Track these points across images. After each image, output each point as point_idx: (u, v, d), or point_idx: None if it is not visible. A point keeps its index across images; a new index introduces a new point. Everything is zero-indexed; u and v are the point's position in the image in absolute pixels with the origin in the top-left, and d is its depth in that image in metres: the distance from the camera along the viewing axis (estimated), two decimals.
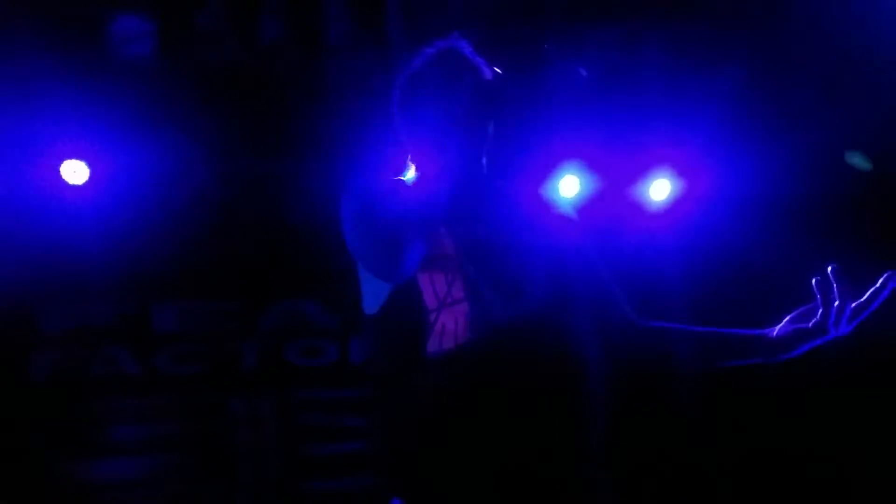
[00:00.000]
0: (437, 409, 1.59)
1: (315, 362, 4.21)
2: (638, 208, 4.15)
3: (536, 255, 1.73)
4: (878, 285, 1.63)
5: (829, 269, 1.64)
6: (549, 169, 4.02)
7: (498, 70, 1.74)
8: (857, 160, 3.79)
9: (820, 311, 1.65)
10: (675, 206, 4.11)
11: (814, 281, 1.65)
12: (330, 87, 3.91)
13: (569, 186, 4.07)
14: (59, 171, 3.80)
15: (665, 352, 1.80)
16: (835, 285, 1.63)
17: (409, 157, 1.82)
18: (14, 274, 3.80)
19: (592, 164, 4.08)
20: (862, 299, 1.63)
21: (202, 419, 4.04)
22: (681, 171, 4.08)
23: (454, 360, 1.61)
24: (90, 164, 3.83)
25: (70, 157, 3.81)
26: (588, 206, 4.10)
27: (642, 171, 4.13)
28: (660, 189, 4.11)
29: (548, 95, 3.73)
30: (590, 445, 1.62)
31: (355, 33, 4.14)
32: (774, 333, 1.73)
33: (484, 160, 1.79)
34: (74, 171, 3.81)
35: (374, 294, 1.70)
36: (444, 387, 1.60)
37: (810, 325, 1.67)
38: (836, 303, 1.63)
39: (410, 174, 1.74)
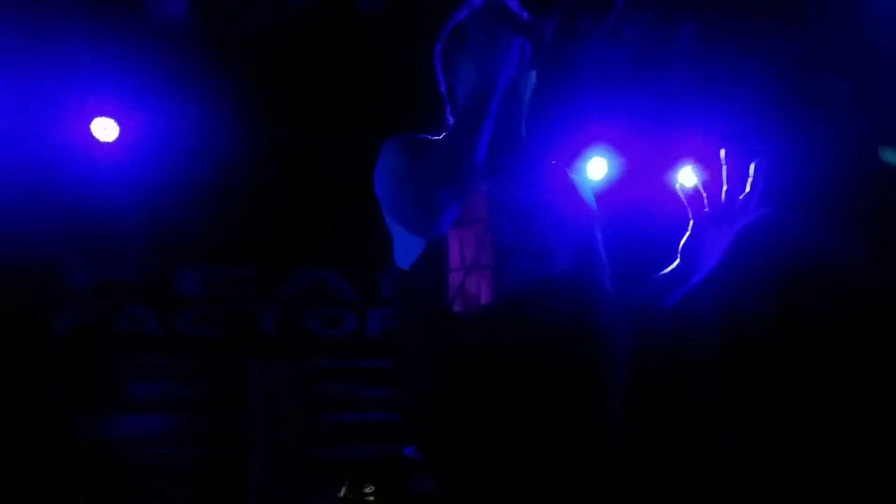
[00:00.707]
0: (460, 364, 1.59)
1: (333, 332, 4.23)
2: (665, 194, 4.14)
3: (566, 224, 1.74)
4: (750, 174, 1.67)
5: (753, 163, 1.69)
6: (579, 148, 4.00)
7: (541, 22, 1.73)
8: (891, 156, 3.75)
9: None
10: (703, 193, 4.08)
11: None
12: (360, 53, 3.89)
13: (597, 168, 4.06)
14: (89, 128, 3.81)
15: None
16: (751, 177, 1.68)
17: (448, 111, 1.83)
18: (41, 229, 3.83)
19: (621, 148, 4.06)
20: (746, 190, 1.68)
21: (220, 381, 4.07)
22: (710, 158, 4.05)
23: (479, 319, 1.60)
24: (120, 122, 3.84)
25: (101, 114, 3.82)
26: (614, 190, 4.09)
27: (671, 156, 4.11)
28: (688, 176, 4.08)
29: (586, 63, 3.72)
30: (608, 406, 1.62)
31: (390, 4, 4.12)
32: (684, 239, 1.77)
33: (524, 119, 1.80)
34: (105, 129, 3.83)
35: (407, 249, 1.70)
36: (468, 343, 1.59)
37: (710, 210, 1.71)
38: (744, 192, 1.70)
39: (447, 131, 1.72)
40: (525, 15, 1.73)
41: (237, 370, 4.09)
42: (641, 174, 4.13)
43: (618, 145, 4.06)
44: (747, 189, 1.66)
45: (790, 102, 3.85)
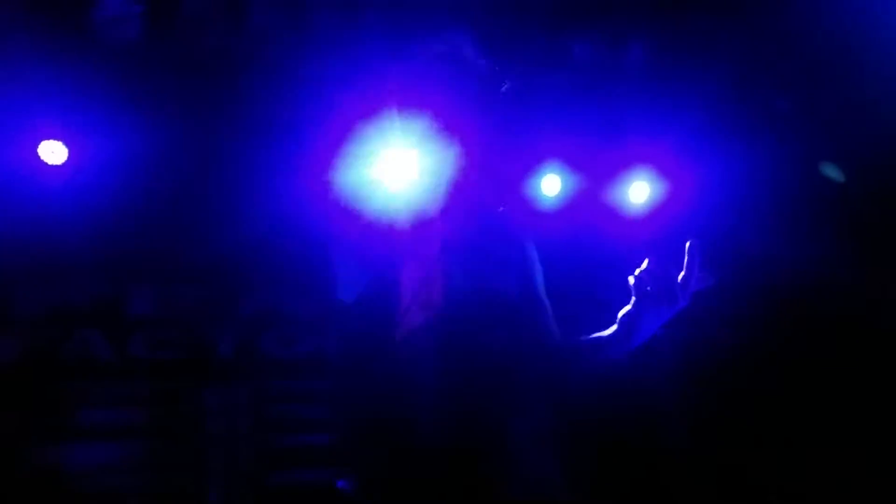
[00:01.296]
0: (393, 397, 1.61)
1: (291, 352, 4.19)
2: (617, 211, 4.20)
3: (510, 264, 1.79)
4: (686, 256, 1.68)
5: (688, 244, 1.71)
6: (531, 167, 4.04)
7: (496, 67, 1.76)
8: (832, 171, 3.86)
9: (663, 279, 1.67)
10: (655, 209, 4.16)
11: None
12: (316, 73, 3.89)
13: (550, 186, 4.10)
14: (36, 151, 3.75)
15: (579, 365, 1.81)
16: (686, 258, 1.67)
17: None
18: None
19: (574, 164, 4.11)
20: (683, 272, 1.68)
21: (175, 407, 4.00)
22: (661, 173, 4.13)
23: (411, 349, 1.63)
24: (69, 145, 3.78)
25: (48, 137, 3.75)
26: (569, 206, 4.14)
27: (623, 172, 4.17)
28: (639, 192, 4.15)
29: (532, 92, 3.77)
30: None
31: (341, 21, 4.13)
32: (624, 311, 1.73)
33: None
34: (52, 152, 3.76)
35: (350, 282, 1.72)
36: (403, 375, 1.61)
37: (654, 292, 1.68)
38: (682, 273, 1.67)
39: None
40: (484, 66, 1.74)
41: (192, 394, 4.03)
42: (594, 191, 4.18)
43: (570, 162, 4.11)
44: (684, 271, 1.66)
45: (736, 118, 3.94)
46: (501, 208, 1.88)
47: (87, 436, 3.87)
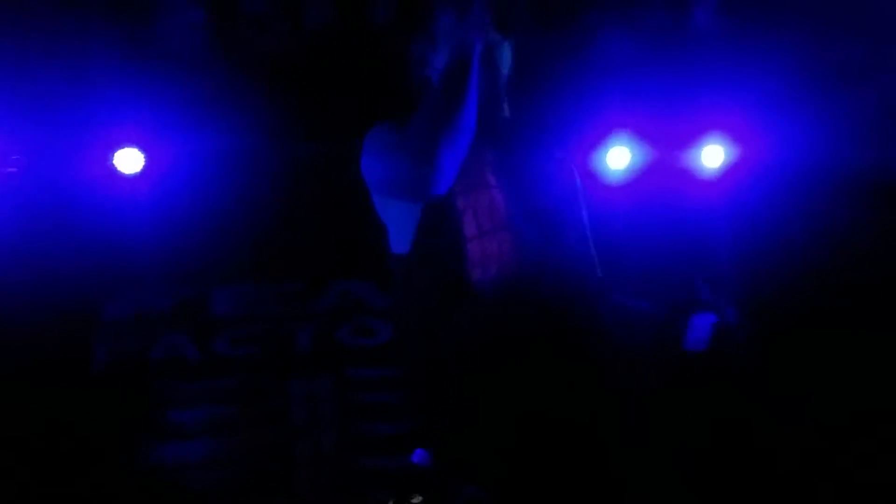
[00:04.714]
0: (490, 341, 1.57)
1: (368, 342, 4.23)
2: (690, 176, 4.08)
3: (572, 199, 1.76)
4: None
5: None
6: (598, 139, 3.97)
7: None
8: None
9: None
10: (729, 173, 4.03)
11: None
12: (377, 66, 3.91)
13: (618, 158, 4.02)
14: (113, 160, 3.88)
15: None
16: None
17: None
18: (75, 263, 3.89)
19: (643, 133, 4.02)
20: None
21: (260, 400, 4.09)
22: (734, 137, 4.00)
23: (500, 292, 1.59)
24: (144, 152, 3.90)
25: (124, 145, 3.88)
26: (640, 176, 4.05)
27: (695, 138, 4.06)
28: (713, 156, 4.03)
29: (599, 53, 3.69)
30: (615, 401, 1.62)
31: (400, 15, 4.14)
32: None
33: (504, 98, 1.78)
34: (129, 160, 3.89)
35: (402, 230, 1.68)
36: (495, 318, 1.58)
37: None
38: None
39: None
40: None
41: (276, 387, 4.11)
42: (664, 159, 4.08)
43: (640, 132, 4.02)
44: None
45: (810, 74, 3.78)
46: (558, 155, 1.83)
47: (178, 434, 3.98)
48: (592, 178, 3.92)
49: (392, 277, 1.76)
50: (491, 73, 1.72)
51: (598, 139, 3.97)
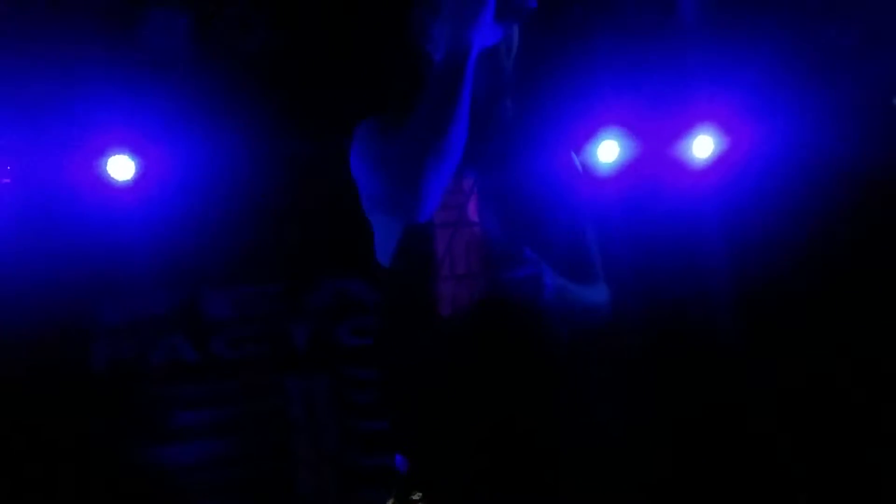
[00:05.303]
0: (445, 369, 1.58)
1: (364, 340, 4.25)
2: (681, 167, 4.09)
3: (559, 220, 1.70)
4: None
5: None
6: (587, 132, 3.97)
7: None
8: None
9: None
10: (719, 163, 4.04)
11: None
12: (366, 60, 3.89)
13: (608, 151, 4.02)
14: (105, 167, 3.89)
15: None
16: None
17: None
18: (70, 270, 3.91)
19: (632, 126, 4.02)
20: None
21: (259, 400, 4.12)
22: (723, 128, 4.00)
23: (465, 322, 1.59)
24: (136, 158, 3.91)
25: (115, 152, 3.89)
26: (630, 169, 4.06)
27: (684, 129, 4.06)
28: (703, 146, 4.03)
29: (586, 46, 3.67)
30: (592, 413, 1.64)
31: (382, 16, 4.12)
32: None
33: (508, 92, 1.72)
34: (120, 166, 3.90)
35: (383, 242, 1.67)
36: (454, 347, 1.58)
37: None
38: None
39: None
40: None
41: (274, 386, 4.14)
42: (654, 150, 4.09)
43: (628, 125, 4.02)
44: None
45: (798, 62, 3.78)
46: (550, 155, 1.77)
47: (179, 436, 4.02)
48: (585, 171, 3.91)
49: (379, 279, 1.73)
50: (493, 66, 1.63)
51: (588, 133, 3.97)
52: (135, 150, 3.92)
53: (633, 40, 3.85)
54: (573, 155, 1.83)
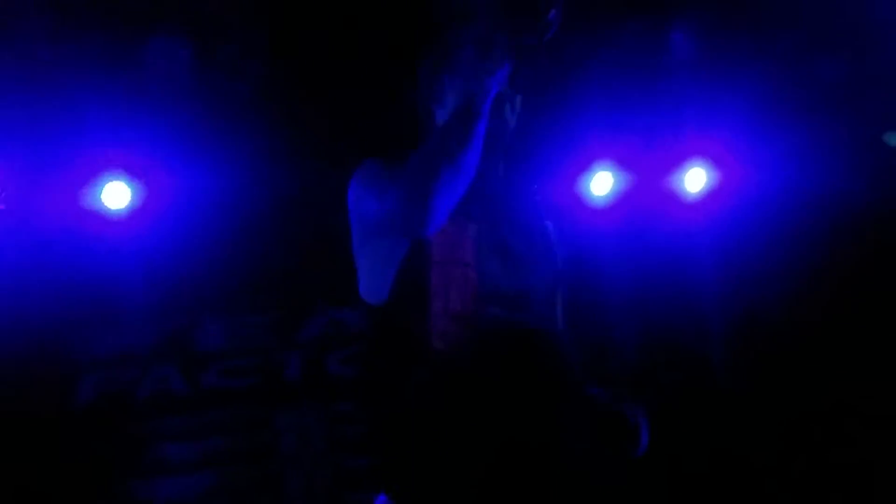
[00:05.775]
0: (435, 407, 1.56)
1: (354, 371, 4.22)
2: (674, 200, 4.14)
3: (547, 268, 1.75)
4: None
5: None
6: (581, 166, 4.02)
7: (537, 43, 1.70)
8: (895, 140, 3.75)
9: None
10: (711, 196, 4.09)
11: None
12: (365, 92, 3.92)
13: (602, 183, 4.07)
14: (100, 194, 3.88)
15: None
16: None
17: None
18: (62, 298, 3.87)
19: (626, 159, 4.08)
20: None
21: (250, 433, 4.06)
22: (716, 161, 4.07)
23: (456, 361, 1.58)
24: (131, 187, 3.90)
25: (111, 180, 3.88)
26: (623, 201, 4.10)
27: (677, 162, 4.12)
28: (695, 180, 4.09)
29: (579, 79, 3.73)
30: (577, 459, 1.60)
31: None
32: None
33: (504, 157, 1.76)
34: (115, 195, 3.89)
35: (375, 277, 1.66)
36: (444, 386, 1.56)
37: None
38: None
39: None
40: (526, 35, 1.63)
41: (265, 418, 4.09)
42: (647, 184, 4.14)
43: (622, 158, 4.07)
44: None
45: (787, 98, 3.86)
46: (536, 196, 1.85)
47: (170, 469, 3.95)
48: (578, 203, 3.97)
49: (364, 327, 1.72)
50: (497, 124, 1.66)
51: (582, 165, 4.02)
52: (131, 178, 3.91)
53: (627, 76, 3.92)
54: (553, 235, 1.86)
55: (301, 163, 3.98)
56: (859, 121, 3.83)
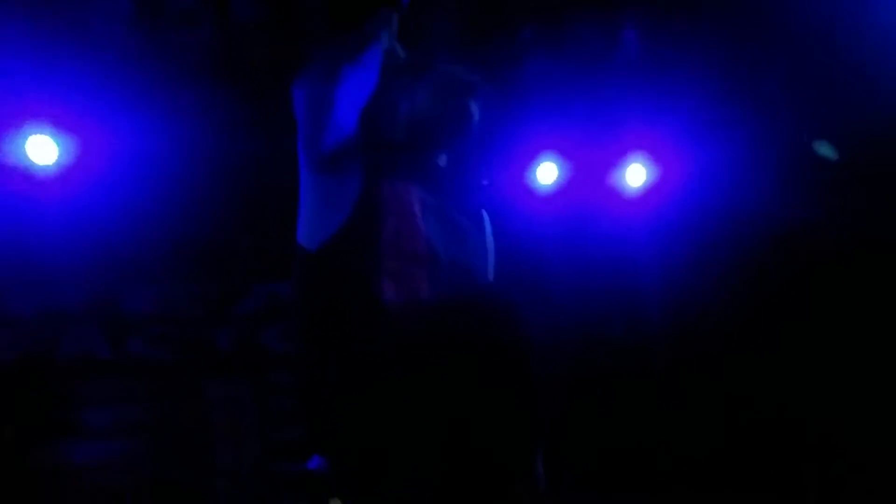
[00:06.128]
0: (394, 364, 1.56)
1: (293, 347, 4.17)
2: (614, 194, 4.25)
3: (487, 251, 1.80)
4: None
5: None
6: (529, 155, 4.07)
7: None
8: (824, 149, 3.94)
9: None
10: (651, 191, 4.21)
11: None
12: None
13: (547, 173, 4.13)
14: (26, 149, 3.69)
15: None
16: None
17: None
18: None
19: (569, 152, 4.15)
20: None
21: (178, 403, 3.97)
22: (656, 158, 4.18)
23: (414, 317, 1.58)
24: (60, 142, 3.72)
25: (38, 133, 3.70)
26: (565, 192, 4.18)
27: (618, 158, 4.22)
28: (636, 175, 4.20)
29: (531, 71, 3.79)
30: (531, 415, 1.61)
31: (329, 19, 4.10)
32: None
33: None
34: (42, 149, 3.71)
35: (319, 220, 1.66)
36: (407, 343, 1.57)
37: None
38: None
39: None
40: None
41: (194, 389, 4.00)
42: (590, 176, 4.23)
43: (567, 149, 4.15)
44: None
45: (728, 102, 4.01)
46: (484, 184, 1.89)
47: (91, 434, 3.82)
48: (523, 192, 4.02)
49: (295, 275, 1.69)
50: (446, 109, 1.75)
51: (530, 155, 4.07)
52: (60, 134, 3.73)
53: (573, 68, 3.99)
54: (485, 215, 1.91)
55: (249, 130, 3.88)
56: (791, 127, 4.00)
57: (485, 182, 1.92)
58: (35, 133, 3.68)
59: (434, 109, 1.74)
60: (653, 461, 4.04)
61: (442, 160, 1.79)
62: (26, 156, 3.69)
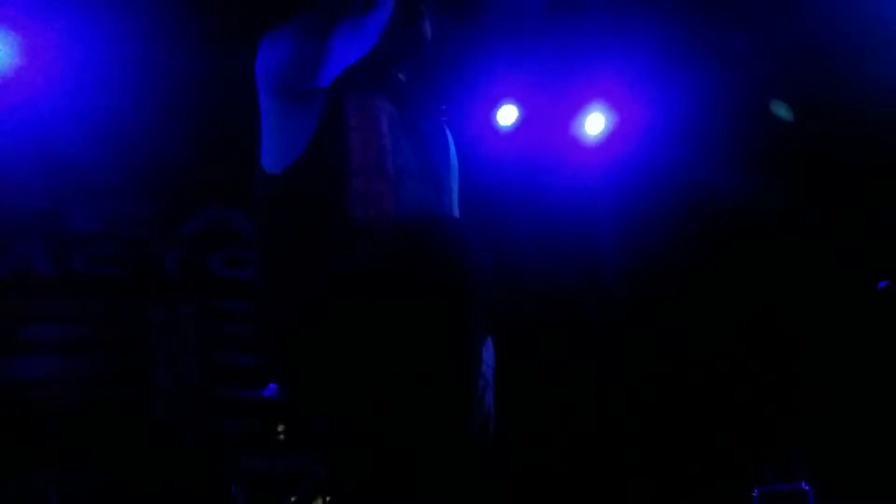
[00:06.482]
0: (357, 299, 1.50)
1: (238, 273, 4.13)
2: (573, 142, 4.25)
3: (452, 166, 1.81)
4: None
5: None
6: (492, 97, 4.04)
7: None
8: (781, 110, 3.97)
9: None
10: (610, 139, 4.22)
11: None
12: None
13: (507, 115, 4.11)
14: None
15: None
16: None
17: None
18: None
19: (530, 95, 4.13)
20: None
21: (120, 323, 3.91)
22: (616, 105, 4.18)
23: (379, 236, 1.55)
24: (9, 46, 3.57)
25: None
26: (525, 134, 4.16)
27: (578, 104, 4.21)
28: (595, 123, 4.20)
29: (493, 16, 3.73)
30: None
31: None
32: None
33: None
34: None
35: (284, 143, 1.62)
36: (377, 260, 1.52)
37: None
38: None
39: None
40: None
41: (137, 311, 3.94)
42: (549, 120, 4.22)
43: (525, 94, 4.12)
44: None
45: (691, 52, 4.00)
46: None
47: (29, 350, 3.75)
48: (487, 131, 3.99)
49: (256, 202, 1.65)
50: (414, 32, 1.71)
51: (492, 98, 4.04)
52: (6, 34, 3.57)
53: (534, 13, 3.93)
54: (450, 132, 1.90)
55: (204, 47, 3.75)
56: (753, 85, 4.02)
57: (443, 107, 1.89)
58: None
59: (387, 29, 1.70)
60: (604, 404, 4.13)
61: (402, 77, 1.77)
62: None
